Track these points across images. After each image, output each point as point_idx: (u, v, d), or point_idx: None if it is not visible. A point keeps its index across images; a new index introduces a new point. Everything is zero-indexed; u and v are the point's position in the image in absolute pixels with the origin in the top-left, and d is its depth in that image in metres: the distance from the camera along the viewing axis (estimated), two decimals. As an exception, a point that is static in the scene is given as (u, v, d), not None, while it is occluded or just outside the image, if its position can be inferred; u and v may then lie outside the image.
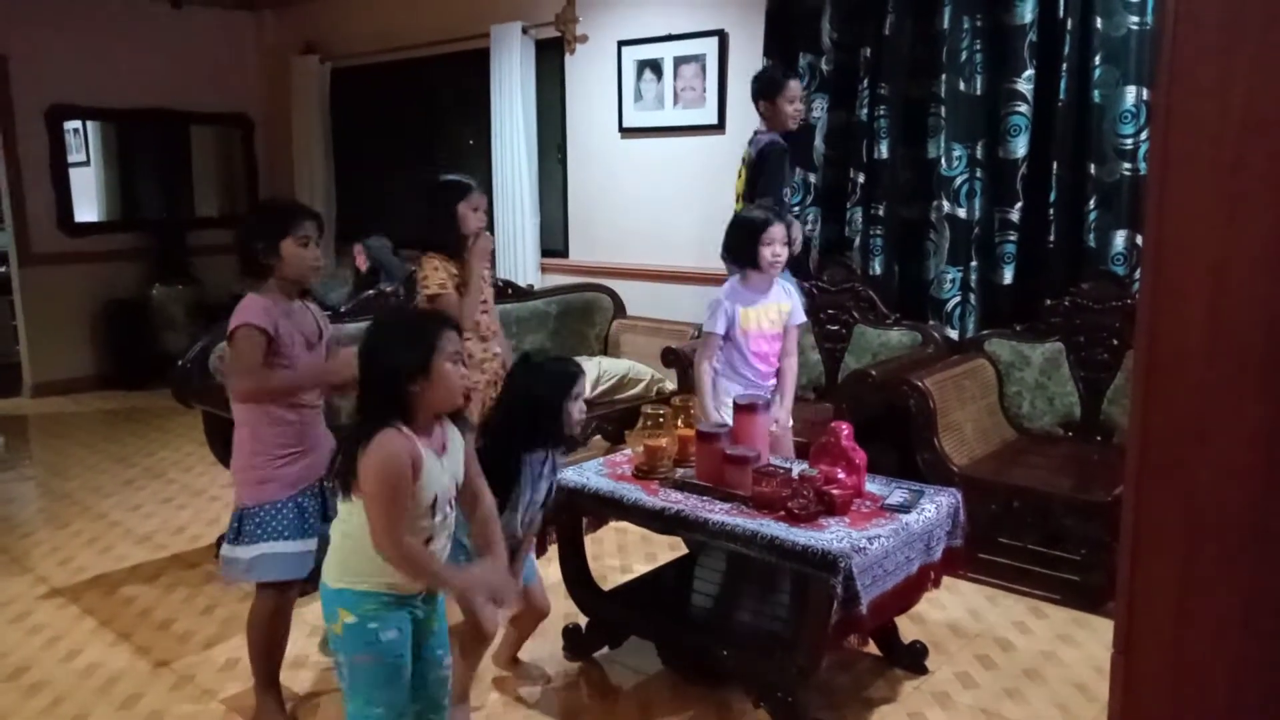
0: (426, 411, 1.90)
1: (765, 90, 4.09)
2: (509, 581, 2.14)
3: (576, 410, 2.42)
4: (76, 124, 6.82)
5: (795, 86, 3.98)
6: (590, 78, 5.51)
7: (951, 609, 3.19)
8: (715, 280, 4.92)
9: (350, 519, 1.91)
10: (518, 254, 5.75)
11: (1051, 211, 3.87)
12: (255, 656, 2.57)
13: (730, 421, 2.91)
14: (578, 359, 4.55)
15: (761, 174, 4.00)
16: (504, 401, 2.53)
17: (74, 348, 6.59)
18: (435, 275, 3.19)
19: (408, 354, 1.86)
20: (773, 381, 3.21)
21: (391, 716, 1.95)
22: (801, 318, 3.30)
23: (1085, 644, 2.95)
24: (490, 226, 5.85)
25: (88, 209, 6.81)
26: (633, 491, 2.68)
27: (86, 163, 7.06)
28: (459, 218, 3.28)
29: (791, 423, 3.28)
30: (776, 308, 3.20)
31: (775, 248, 3.11)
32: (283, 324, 2.45)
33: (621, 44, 5.28)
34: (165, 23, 6.78)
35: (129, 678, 2.84)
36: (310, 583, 2.27)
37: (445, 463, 1.93)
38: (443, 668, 2.08)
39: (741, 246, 3.17)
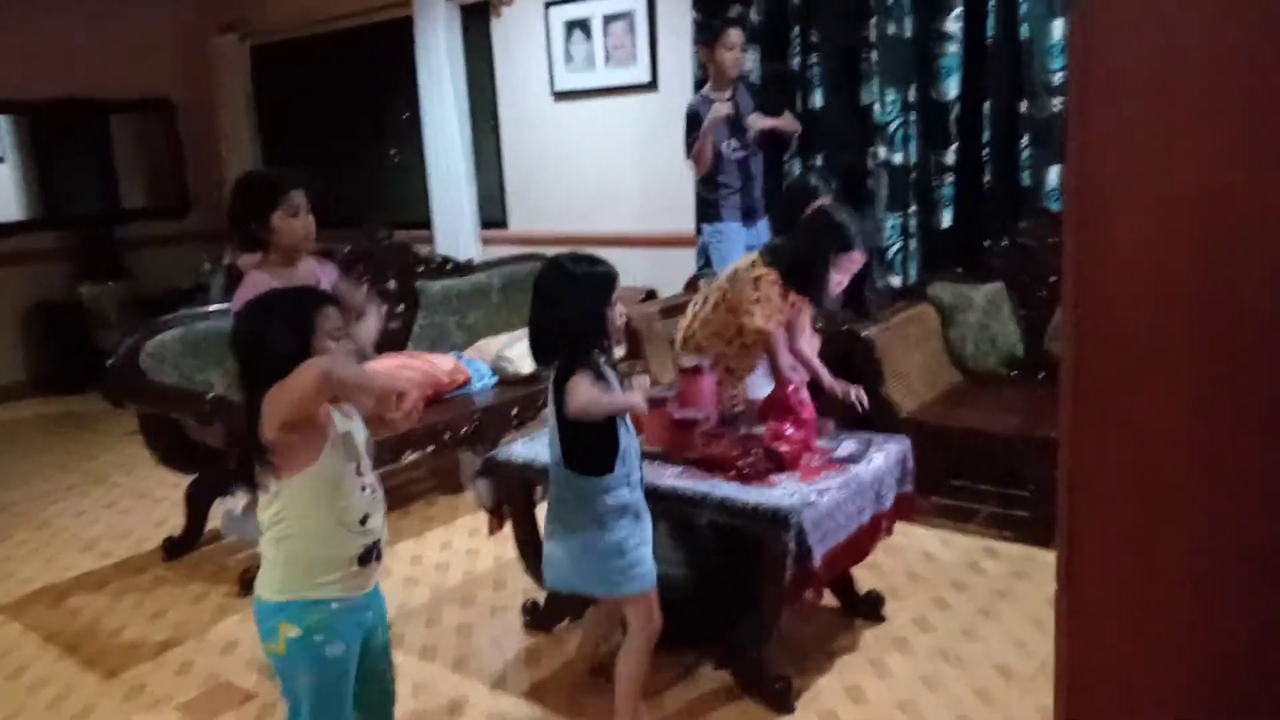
0: None
1: (702, 37, 4.06)
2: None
3: (618, 315, 2.19)
4: (-13, 119, 6.54)
5: (734, 35, 3.92)
6: (518, 42, 5.39)
7: (906, 555, 3.21)
8: (659, 242, 4.88)
9: (282, 521, 1.79)
10: (456, 227, 5.64)
11: (986, 151, 3.87)
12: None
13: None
14: (522, 331, 4.51)
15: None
16: (540, 314, 2.20)
17: (4, 353, 6.37)
18: None
19: (284, 339, 1.75)
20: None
21: None
22: None
23: (1039, 579, 2.99)
24: (426, 200, 5.78)
25: (7, 208, 6.55)
26: (581, 462, 2.64)
27: (2, 159, 6.79)
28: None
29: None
30: None
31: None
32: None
33: (548, 4, 5.16)
34: (72, 8, 6.49)
35: (79, 691, 2.76)
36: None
37: (354, 422, 1.87)
38: (389, 682, 2.01)
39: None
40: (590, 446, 2.14)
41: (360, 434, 1.88)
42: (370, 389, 1.82)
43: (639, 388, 2.27)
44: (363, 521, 1.84)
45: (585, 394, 2.07)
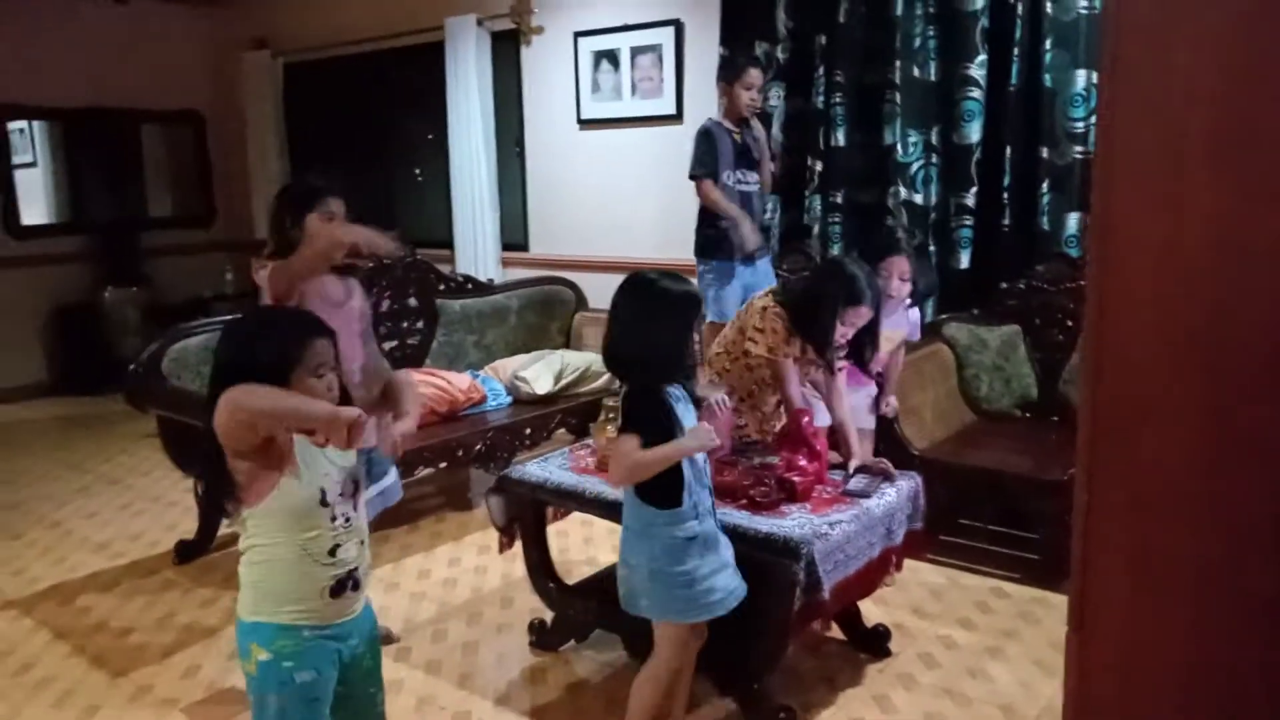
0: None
1: (724, 73, 4.05)
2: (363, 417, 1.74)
3: (697, 335, 2.14)
4: (22, 124, 6.66)
5: (754, 75, 3.88)
6: (547, 69, 5.47)
7: (914, 591, 3.21)
8: (679, 271, 4.92)
9: (252, 548, 1.75)
10: (478, 248, 5.70)
11: (1006, 195, 3.91)
12: None
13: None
14: (539, 353, 4.56)
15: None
16: (621, 333, 2.12)
17: (24, 354, 6.44)
18: None
19: (261, 370, 1.66)
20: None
21: None
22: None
23: (1045, 621, 2.99)
24: (449, 220, 5.85)
25: (36, 211, 6.65)
26: (596, 484, 2.67)
27: (34, 164, 6.90)
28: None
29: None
30: None
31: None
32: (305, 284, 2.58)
33: (578, 35, 5.25)
34: (110, 20, 6.62)
35: (85, 689, 2.78)
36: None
37: (329, 452, 1.74)
38: (376, 706, 1.94)
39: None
40: (654, 480, 2.07)
41: (333, 462, 1.77)
42: (302, 421, 1.68)
43: (717, 402, 2.22)
44: (331, 553, 1.75)
45: (628, 460, 2.01)
